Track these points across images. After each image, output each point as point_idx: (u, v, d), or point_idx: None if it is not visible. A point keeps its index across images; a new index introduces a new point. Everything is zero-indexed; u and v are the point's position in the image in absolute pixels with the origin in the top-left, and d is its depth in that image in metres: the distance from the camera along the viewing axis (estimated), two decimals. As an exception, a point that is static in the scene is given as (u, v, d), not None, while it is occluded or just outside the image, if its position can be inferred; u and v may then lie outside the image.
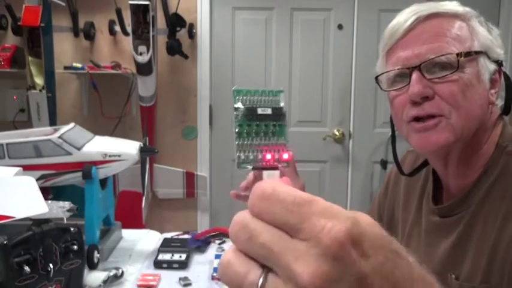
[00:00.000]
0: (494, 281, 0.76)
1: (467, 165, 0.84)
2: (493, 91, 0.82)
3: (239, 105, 0.41)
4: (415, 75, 0.80)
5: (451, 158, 0.86)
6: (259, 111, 0.41)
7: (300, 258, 0.30)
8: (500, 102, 0.85)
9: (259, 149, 0.41)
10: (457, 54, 0.79)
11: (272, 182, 0.34)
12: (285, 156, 0.42)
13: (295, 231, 0.31)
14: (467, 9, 0.84)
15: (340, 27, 3.03)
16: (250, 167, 0.42)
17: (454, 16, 0.82)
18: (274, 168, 0.41)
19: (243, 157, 0.41)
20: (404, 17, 0.85)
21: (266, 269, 0.32)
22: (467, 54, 0.79)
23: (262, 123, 0.41)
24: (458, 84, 0.79)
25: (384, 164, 3.03)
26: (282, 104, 0.42)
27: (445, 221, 0.86)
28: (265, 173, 0.41)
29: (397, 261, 0.32)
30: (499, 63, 0.83)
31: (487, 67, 0.81)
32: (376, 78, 0.91)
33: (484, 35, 0.82)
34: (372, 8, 3.00)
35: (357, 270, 0.30)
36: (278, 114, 0.42)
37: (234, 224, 0.34)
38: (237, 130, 0.40)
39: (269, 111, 0.41)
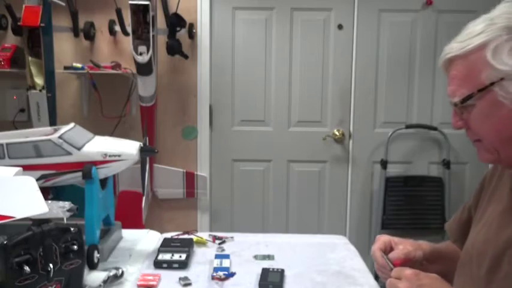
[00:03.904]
0: None
1: None
2: None
3: None
4: (453, 109, 0.93)
5: None
6: None
7: None
8: None
9: None
10: (455, 104, 0.89)
11: None
12: None
13: None
14: (494, 30, 0.84)
15: (340, 27, 3.03)
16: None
17: (471, 52, 0.86)
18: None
19: None
20: (443, 53, 0.92)
21: None
22: (466, 98, 0.87)
23: None
24: (474, 119, 0.89)
25: (384, 164, 3.02)
26: None
27: None
28: None
29: None
30: None
31: (509, 90, 0.83)
32: None
33: (504, 59, 0.83)
34: (372, 8, 3.00)
35: None
36: None
37: None
38: None
39: None
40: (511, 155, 0.89)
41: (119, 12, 2.67)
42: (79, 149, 1.31)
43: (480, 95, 0.85)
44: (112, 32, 2.87)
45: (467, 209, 1.15)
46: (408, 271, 0.91)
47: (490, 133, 0.88)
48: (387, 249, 1.07)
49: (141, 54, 2.52)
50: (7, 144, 1.29)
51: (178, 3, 2.80)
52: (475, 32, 0.87)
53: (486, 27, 0.86)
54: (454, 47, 0.89)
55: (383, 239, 1.10)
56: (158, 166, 2.94)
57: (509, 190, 0.95)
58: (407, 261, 1.02)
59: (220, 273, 1.26)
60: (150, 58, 2.51)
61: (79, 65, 2.74)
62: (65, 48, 2.90)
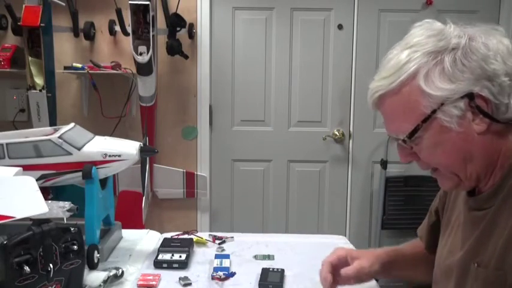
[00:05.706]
0: (507, 268, 0.80)
1: (490, 174, 0.87)
2: (477, 120, 0.81)
3: None
4: (397, 145, 0.89)
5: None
6: None
7: None
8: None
9: None
10: (403, 141, 0.85)
11: None
12: None
13: None
14: (419, 56, 0.82)
15: (340, 27, 3.03)
16: None
17: (403, 85, 0.82)
18: None
19: None
20: (368, 94, 0.88)
21: None
22: (412, 133, 0.83)
23: None
24: (425, 150, 0.85)
25: (384, 164, 3.03)
26: None
27: (477, 214, 0.89)
28: None
29: None
30: (468, 96, 0.79)
31: (452, 113, 0.80)
32: None
33: (438, 85, 0.80)
34: (372, 8, 3.00)
35: None
36: None
37: None
38: None
39: None
40: (471, 174, 0.85)
41: (119, 12, 2.67)
42: (79, 149, 1.31)
43: (426, 125, 0.82)
44: (112, 32, 2.87)
45: (434, 212, 1.13)
46: None
47: (444, 159, 0.85)
48: (340, 264, 1.05)
49: (141, 54, 2.52)
50: (7, 144, 1.29)
51: (178, 3, 2.80)
52: (400, 63, 0.83)
53: (411, 54, 0.82)
54: (383, 84, 0.84)
55: (339, 253, 1.07)
56: (158, 166, 2.94)
57: (465, 203, 0.94)
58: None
59: (220, 273, 1.26)
60: (150, 58, 2.51)
61: (79, 65, 2.74)
62: (65, 48, 2.89)
